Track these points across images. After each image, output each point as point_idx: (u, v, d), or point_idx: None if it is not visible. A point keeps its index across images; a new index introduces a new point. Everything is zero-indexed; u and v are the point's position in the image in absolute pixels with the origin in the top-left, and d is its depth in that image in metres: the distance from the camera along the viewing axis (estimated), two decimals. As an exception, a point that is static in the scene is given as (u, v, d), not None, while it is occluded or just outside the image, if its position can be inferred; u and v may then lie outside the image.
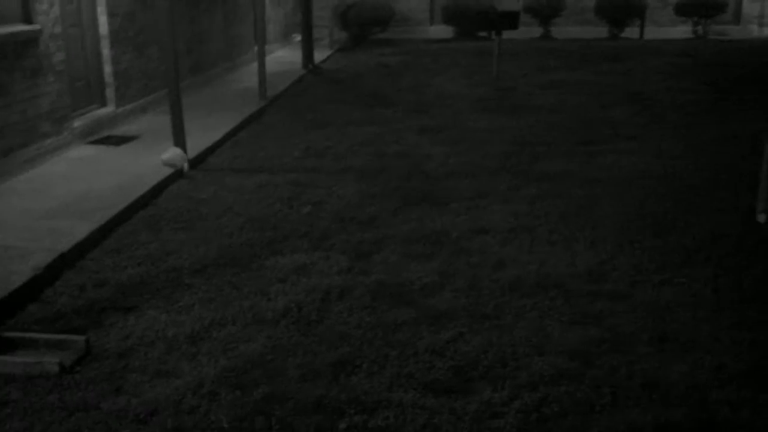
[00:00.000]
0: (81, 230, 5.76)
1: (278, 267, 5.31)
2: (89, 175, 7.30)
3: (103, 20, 9.31)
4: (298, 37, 21.39)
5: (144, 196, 6.76)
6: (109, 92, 9.55)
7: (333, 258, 5.47)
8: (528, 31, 16.25)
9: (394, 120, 10.58)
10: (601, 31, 22.12)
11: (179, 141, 7.89)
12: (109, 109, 9.52)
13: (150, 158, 7.94)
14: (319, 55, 17.14)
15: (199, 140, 8.69)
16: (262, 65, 11.71)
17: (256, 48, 17.11)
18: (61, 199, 6.54)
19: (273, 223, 6.24)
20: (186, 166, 7.70)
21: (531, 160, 8.30)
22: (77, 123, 8.59)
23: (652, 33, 21.56)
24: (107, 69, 9.49)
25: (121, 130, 9.30)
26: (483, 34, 22.66)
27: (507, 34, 14.32)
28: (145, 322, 4.49)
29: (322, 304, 4.70)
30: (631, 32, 21.86)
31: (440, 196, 7.00)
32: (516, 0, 21.76)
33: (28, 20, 7.60)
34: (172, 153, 7.74)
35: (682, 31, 21.92)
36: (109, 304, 4.75)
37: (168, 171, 7.46)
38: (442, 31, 23.54)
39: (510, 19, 13.82)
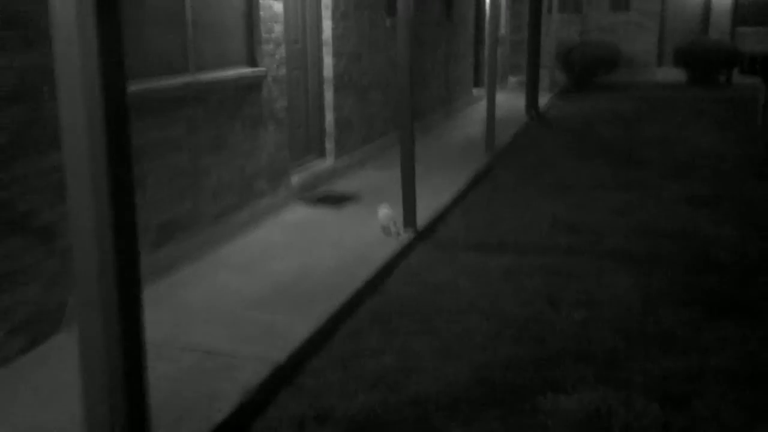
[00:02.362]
0: (300, 330, 4.58)
1: (560, 412, 3.80)
2: (307, 246, 6.22)
3: (328, 62, 8.39)
4: (513, 80, 20.05)
5: (371, 279, 5.54)
6: (329, 142, 8.60)
7: (635, 402, 3.88)
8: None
9: (650, 184, 8.82)
10: None
11: (410, 208, 6.66)
12: (327, 161, 8.55)
13: (373, 225, 6.78)
14: (540, 100, 15.61)
15: (426, 203, 7.45)
16: (491, 114, 10.39)
17: (474, 91, 15.95)
18: (275, 279, 5.46)
19: (537, 333, 4.77)
20: (396, 226, 6.47)
21: None
22: (295, 178, 7.64)
23: None
24: (328, 116, 8.55)
25: (339, 187, 8.28)
26: (721, 78, 20.17)
27: (747, 81, 12.06)
28: (389, 501, 3.14)
29: (647, 499, 3.14)
30: None
31: (755, 303, 5.21)
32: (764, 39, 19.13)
33: (252, 62, 6.74)
34: (384, 215, 6.54)
35: None
36: (338, 456, 3.47)
37: (396, 246, 6.22)
38: (672, 74, 21.30)
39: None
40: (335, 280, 5.45)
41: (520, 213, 7.63)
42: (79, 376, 2.73)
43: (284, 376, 4.16)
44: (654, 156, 10.51)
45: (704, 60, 19.83)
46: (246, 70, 6.56)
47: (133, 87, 5.07)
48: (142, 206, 5.20)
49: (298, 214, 7.19)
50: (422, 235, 6.74)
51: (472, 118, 14.03)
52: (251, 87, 6.62)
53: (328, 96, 8.50)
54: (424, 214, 7.06)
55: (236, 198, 6.43)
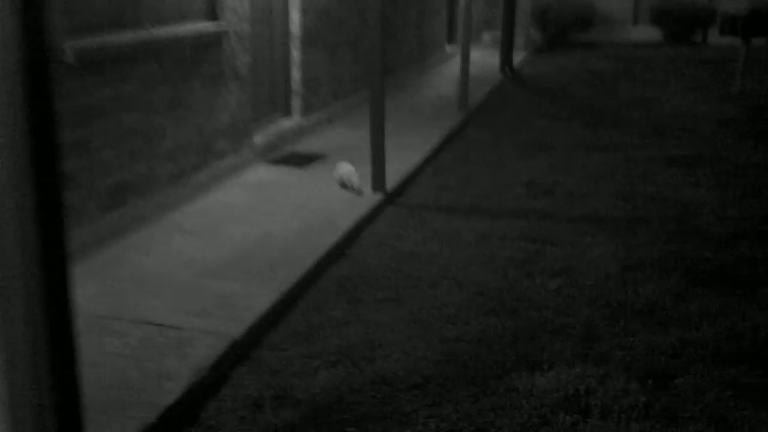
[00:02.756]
0: (259, 301, 4.28)
1: (536, 391, 3.55)
2: (269, 209, 5.89)
3: (295, 17, 7.96)
4: (487, 37, 19.65)
5: (337, 245, 5.24)
6: (295, 100, 8.21)
7: (615, 380, 3.64)
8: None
9: (628, 145, 8.57)
10: None
11: (379, 169, 6.35)
12: (293, 120, 8.18)
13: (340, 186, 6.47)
14: (514, 58, 15.24)
15: (396, 164, 7.13)
16: (465, 71, 10.03)
17: (448, 48, 15.55)
18: (234, 244, 5.14)
19: (510, 304, 4.51)
20: (355, 183, 6.25)
21: (844, 217, 6.08)
22: (258, 138, 7.27)
23: None
24: (295, 73, 8.15)
25: (305, 146, 7.92)
26: (697, 38, 19.95)
27: (723, 41, 11.81)
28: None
29: (629, 490, 2.91)
30: None
31: (737, 270, 5.00)
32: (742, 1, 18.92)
33: (212, 17, 6.31)
34: (344, 171, 6.31)
35: None
36: (296, 442, 3.20)
37: (363, 210, 5.92)
38: (647, 33, 20.99)
39: (763, 22, 11.36)
40: (298, 246, 5.13)
41: (494, 174, 7.35)
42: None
43: (241, 351, 3.87)
44: (631, 116, 10.26)
45: (681, 19, 19.55)
46: (206, 25, 6.14)
47: (81, 42, 4.66)
48: (90, 168, 4.82)
49: (262, 174, 6.84)
50: (391, 198, 6.44)
51: (446, 75, 13.66)
52: (211, 43, 6.20)
53: (295, 53, 8.08)
54: (394, 176, 6.75)
55: (195, 159, 6.06)
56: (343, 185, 6.32)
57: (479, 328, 4.19)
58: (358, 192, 6.23)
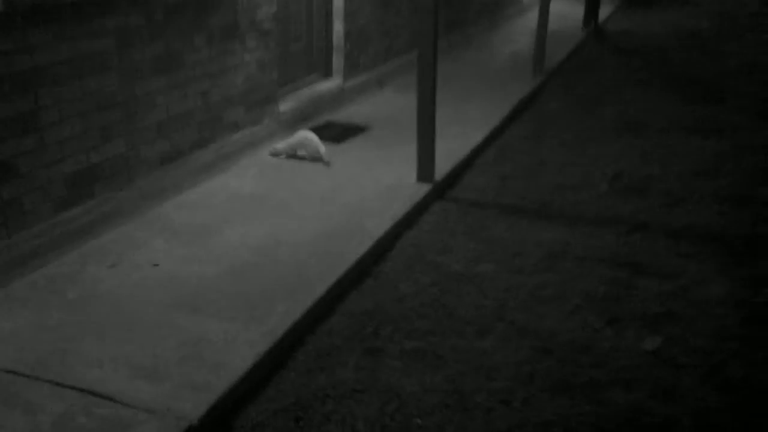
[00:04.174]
0: (240, 353, 3.11)
1: None
2: (285, 200, 4.70)
3: (338, -45, 6.64)
4: (571, -14, 17.77)
5: (361, 261, 4.02)
6: (337, 59, 6.92)
7: None
8: None
9: (738, 127, 7.03)
10: None
11: (427, 152, 5.06)
12: (333, 81, 6.90)
13: (379, 170, 5.24)
14: (601, 11, 13.48)
15: (452, 143, 5.85)
16: (542, 25, 8.54)
17: (525, -1, 13.94)
18: (228, 254, 3.97)
19: (588, 374, 3.22)
20: (322, 150, 5.39)
21: None
22: (286, 105, 6.04)
23: None
24: (337, 26, 6.84)
25: (346, 114, 6.66)
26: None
27: None
28: None
29: None
30: None
31: None
32: None
33: (226, -47, 5.06)
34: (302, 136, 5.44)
35: None
36: None
37: (403, 207, 4.66)
38: (753, -14, 18.72)
39: None
40: (311, 262, 3.93)
41: (572, 161, 5.98)
42: None
43: (197, 439, 2.72)
44: (740, 89, 8.62)
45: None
46: (217, -39, 4.88)
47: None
48: (38, 151, 3.69)
49: (286, 152, 5.63)
50: (441, 189, 5.17)
51: (522, 29, 12.11)
52: (224, -16, 4.96)
53: (338, 1, 6.76)
54: (446, 159, 5.48)
55: (196, 134, 4.87)
56: (293, 155, 5.43)
57: (541, 417, 2.93)
58: (312, 159, 5.36)
